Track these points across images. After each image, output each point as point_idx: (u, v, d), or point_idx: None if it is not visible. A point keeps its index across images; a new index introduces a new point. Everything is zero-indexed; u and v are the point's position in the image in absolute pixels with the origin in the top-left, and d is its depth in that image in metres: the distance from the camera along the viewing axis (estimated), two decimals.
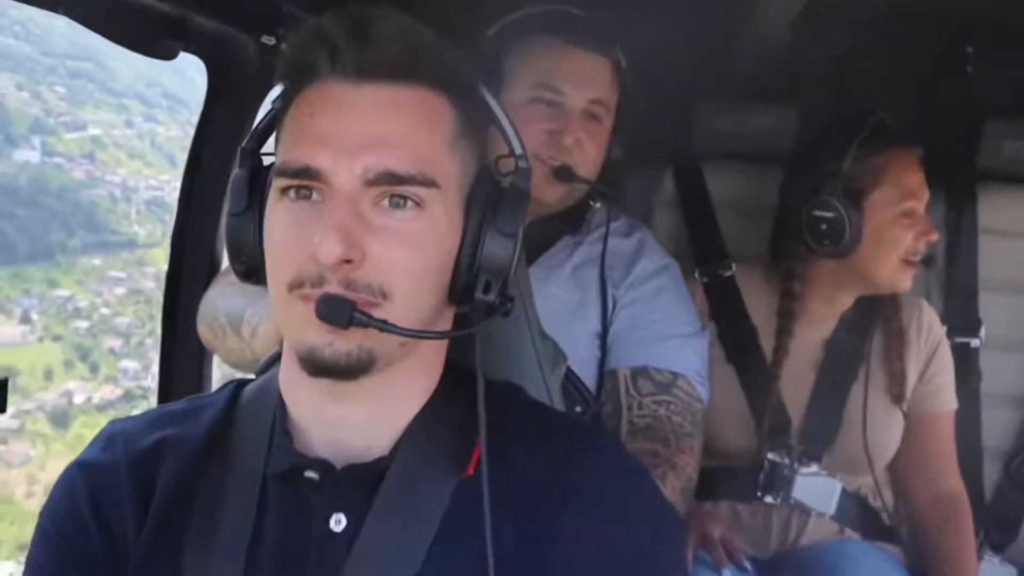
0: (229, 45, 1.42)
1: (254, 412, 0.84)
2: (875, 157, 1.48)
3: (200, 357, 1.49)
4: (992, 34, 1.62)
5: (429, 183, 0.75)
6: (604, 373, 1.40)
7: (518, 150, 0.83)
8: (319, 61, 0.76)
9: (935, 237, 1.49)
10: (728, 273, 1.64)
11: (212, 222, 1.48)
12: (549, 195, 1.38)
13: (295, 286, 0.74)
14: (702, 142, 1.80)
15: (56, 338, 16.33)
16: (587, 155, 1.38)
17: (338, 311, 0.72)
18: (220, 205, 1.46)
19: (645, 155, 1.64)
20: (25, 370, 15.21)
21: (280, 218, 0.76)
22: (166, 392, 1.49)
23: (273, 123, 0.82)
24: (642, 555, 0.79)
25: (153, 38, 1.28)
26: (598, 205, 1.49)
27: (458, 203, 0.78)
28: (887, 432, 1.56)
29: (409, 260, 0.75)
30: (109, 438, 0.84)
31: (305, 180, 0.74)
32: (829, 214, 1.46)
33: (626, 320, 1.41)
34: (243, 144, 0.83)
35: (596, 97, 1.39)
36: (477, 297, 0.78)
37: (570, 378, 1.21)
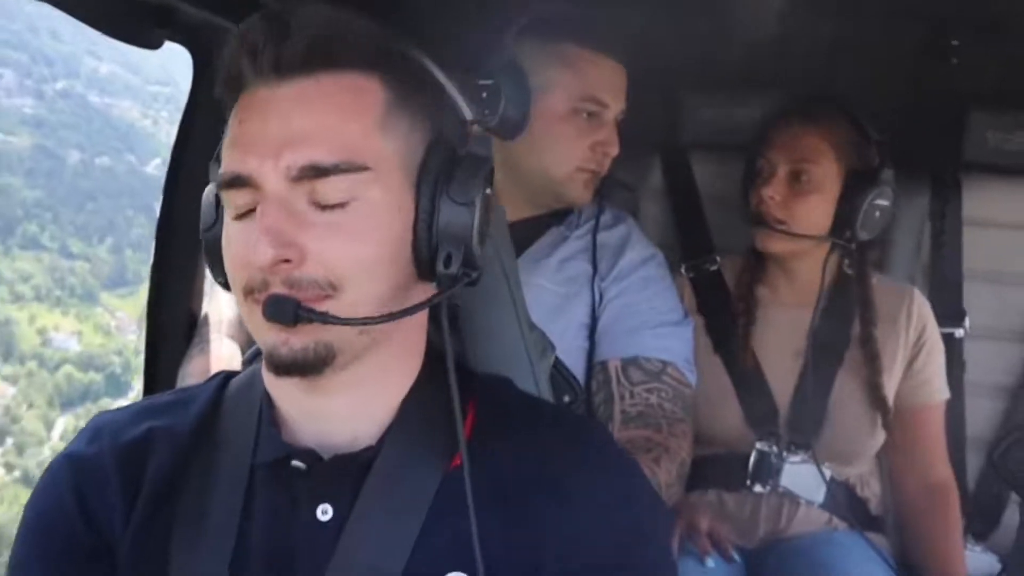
0: (215, 35, 1.40)
1: (242, 403, 0.84)
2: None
3: (184, 352, 1.47)
4: (976, 26, 1.63)
5: (358, 168, 0.74)
6: (593, 364, 1.42)
7: (468, 116, 0.83)
8: (243, 68, 0.77)
9: None
10: (713, 267, 1.66)
11: (195, 216, 1.46)
12: (585, 200, 1.46)
13: (248, 293, 0.76)
14: (690, 132, 1.80)
15: None
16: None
17: (283, 310, 0.73)
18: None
19: (633, 144, 1.65)
20: None
21: (230, 230, 0.77)
22: (151, 387, 1.48)
23: None
24: (630, 546, 0.79)
25: (137, 26, 1.27)
26: None
27: (404, 179, 0.77)
28: (872, 422, 1.56)
29: (350, 249, 0.75)
30: (95, 430, 0.84)
31: (239, 188, 0.75)
32: None
33: (615, 312, 1.43)
34: (212, 158, 0.83)
35: (625, 106, 1.44)
36: (439, 271, 0.77)
37: (558, 367, 1.21)
